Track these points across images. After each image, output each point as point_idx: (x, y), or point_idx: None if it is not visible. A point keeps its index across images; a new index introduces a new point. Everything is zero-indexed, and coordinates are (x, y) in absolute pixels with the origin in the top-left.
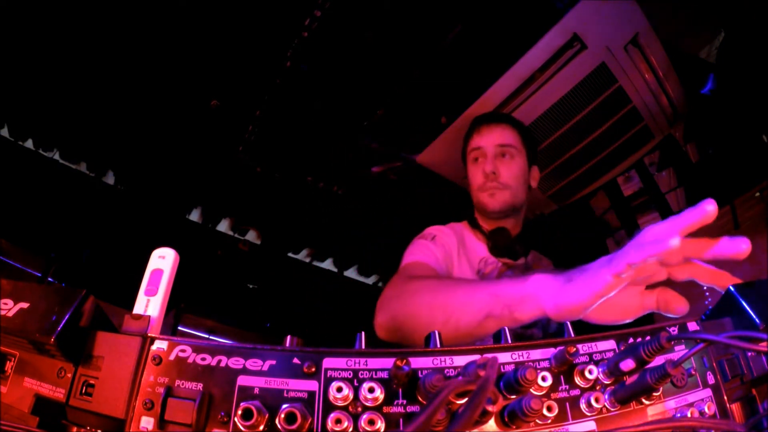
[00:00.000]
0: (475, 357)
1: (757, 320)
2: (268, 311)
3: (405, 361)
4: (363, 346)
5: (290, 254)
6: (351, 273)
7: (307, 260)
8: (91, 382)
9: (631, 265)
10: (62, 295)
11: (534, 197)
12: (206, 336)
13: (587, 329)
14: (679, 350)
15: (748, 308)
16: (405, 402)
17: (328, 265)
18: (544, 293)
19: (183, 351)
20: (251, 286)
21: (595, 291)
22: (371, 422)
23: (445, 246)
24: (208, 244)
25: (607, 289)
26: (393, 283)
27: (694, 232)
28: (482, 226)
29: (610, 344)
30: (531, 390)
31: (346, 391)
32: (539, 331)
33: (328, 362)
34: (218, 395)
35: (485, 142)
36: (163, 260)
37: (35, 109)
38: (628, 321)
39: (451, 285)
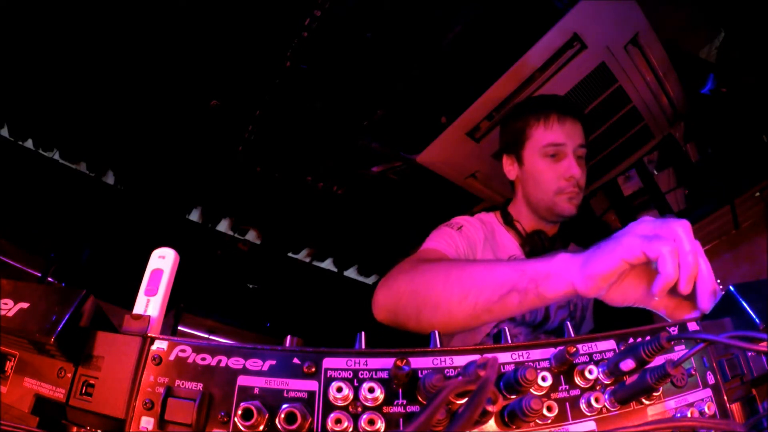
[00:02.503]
0: (475, 357)
1: (757, 320)
2: (268, 311)
3: (405, 361)
4: (363, 346)
5: (290, 254)
6: (351, 273)
7: (307, 260)
8: (91, 382)
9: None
10: (62, 295)
11: None
12: (206, 336)
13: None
14: (679, 350)
15: (748, 308)
16: (405, 402)
17: (328, 265)
18: (571, 269)
19: (183, 351)
20: (251, 286)
21: (622, 256)
22: (371, 422)
23: (470, 238)
24: (208, 244)
25: (634, 259)
26: (401, 264)
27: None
28: (518, 225)
29: (610, 344)
30: (531, 390)
31: (346, 391)
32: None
33: (328, 362)
34: (218, 395)
35: (569, 139)
36: (163, 260)
37: (35, 109)
38: (645, 305)
39: (469, 262)
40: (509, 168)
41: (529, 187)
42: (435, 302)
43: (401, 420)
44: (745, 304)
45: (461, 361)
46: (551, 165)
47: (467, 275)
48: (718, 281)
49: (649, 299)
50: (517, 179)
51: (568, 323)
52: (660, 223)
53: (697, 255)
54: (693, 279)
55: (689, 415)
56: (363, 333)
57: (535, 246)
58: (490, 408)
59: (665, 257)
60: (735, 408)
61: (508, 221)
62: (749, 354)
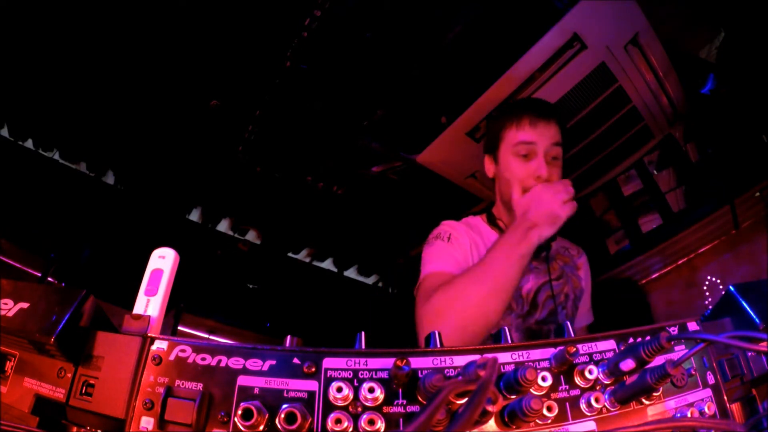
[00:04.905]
0: (475, 357)
1: (757, 320)
2: (268, 311)
3: (405, 361)
4: (363, 346)
5: (290, 254)
6: (351, 273)
7: (307, 260)
8: (91, 382)
9: None
10: (62, 295)
11: None
12: (206, 336)
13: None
14: (679, 350)
15: (748, 308)
16: (405, 402)
17: (328, 265)
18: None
19: (183, 351)
20: (251, 286)
21: None
22: (371, 422)
23: (461, 245)
24: (208, 244)
25: None
26: (419, 298)
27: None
28: (501, 224)
29: (610, 344)
30: (531, 390)
31: (346, 391)
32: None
33: (328, 362)
34: (218, 395)
35: (540, 138)
36: (163, 260)
37: (35, 109)
38: None
39: (478, 263)
40: (488, 168)
41: (503, 186)
42: (476, 302)
43: (401, 420)
44: (745, 304)
45: (461, 361)
46: (522, 164)
47: (486, 267)
48: (718, 281)
49: None
50: (495, 178)
51: (568, 323)
52: None
53: None
54: None
55: (689, 415)
56: (363, 333)
57: None
58: (490, 408)
59: None
60: (735, 408)
61: (492, 221)
62: (749, 354)
